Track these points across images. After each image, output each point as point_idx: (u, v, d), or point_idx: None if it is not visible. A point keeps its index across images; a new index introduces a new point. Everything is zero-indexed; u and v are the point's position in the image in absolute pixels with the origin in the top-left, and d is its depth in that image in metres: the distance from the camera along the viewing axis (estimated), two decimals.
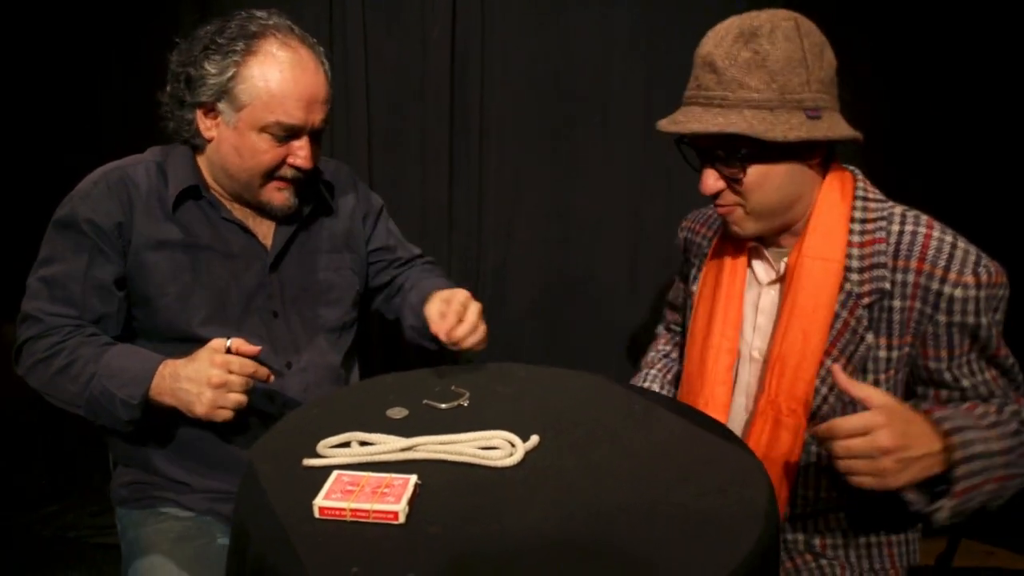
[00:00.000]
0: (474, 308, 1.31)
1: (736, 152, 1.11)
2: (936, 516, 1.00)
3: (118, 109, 2.21)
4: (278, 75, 1.24)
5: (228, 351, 1.16)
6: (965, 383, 1.13)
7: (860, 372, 1.15)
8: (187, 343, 1.24)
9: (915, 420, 0.99)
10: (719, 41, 1.11)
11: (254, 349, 1.17)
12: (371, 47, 2.16)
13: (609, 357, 2.34)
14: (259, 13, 1.29)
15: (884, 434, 0.94)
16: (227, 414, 1.14)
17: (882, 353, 1.14)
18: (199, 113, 1.29)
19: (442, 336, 1.28)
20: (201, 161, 1.35)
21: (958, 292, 1.07)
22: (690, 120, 1.11)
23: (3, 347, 2.39)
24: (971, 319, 1.08)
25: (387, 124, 2.23)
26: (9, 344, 1.30)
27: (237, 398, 1.14)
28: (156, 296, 1.29)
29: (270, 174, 1.30)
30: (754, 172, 1.12)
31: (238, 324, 1.33)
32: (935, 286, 1.09)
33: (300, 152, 1.29)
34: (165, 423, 1.30)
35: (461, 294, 1.33)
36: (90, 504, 2.41)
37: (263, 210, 1.36)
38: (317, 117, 1.29)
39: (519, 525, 0.86)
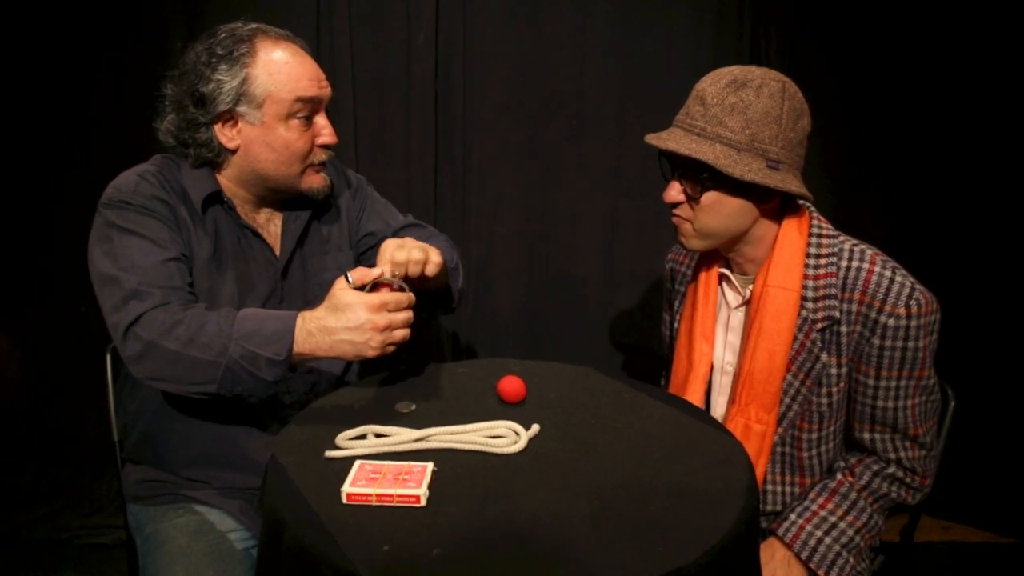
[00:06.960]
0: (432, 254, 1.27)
1: (699, 175, 1.24)
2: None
3: (108, 122, 2.21)
4: (284, 63, 1.29)
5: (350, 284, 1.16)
6: (880, 404, 1.27)
7: (816, 386, 1.29)
8: None
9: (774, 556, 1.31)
10: (715, 81, 1.23)
11: (375, 272, 1.19)
12: (357, 53, 2.19)
13: (586, 344, 2.43)
14: (237, 22, 1.33)
15: None
16: (393, 349, 1.15)
17: (833, 370, 1.28)
18: (216, 128, 1.31)
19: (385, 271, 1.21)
20: (218, 175, 1.37)
21: (891, 321, 1.21)
22: (671, 140, 1.24)
23: None
24: (900, 343, 1.22)
25: (374, 127, 2.27)
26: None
27: (403, 333, 1.15)
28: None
29: (305, 160, 1.34)
30: (709, 197, 1.26)
31: None
32: (873, 315, 1.23)
33: (325, 130, 1.35)
34: (184, 425, 1.34)
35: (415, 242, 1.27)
36: (81, 505, 2.41)
37: (301, 198, 1.39)
38: (326, 91, 1.35)
39: (529, 504, 0.95)
